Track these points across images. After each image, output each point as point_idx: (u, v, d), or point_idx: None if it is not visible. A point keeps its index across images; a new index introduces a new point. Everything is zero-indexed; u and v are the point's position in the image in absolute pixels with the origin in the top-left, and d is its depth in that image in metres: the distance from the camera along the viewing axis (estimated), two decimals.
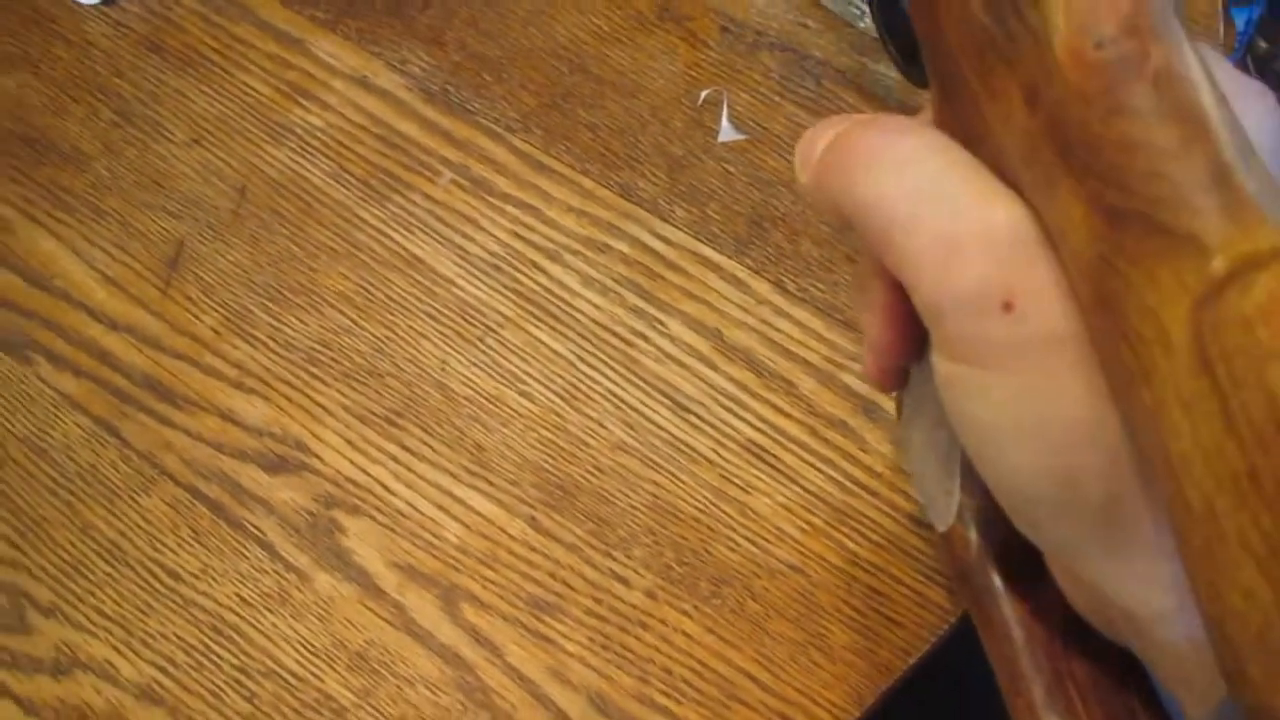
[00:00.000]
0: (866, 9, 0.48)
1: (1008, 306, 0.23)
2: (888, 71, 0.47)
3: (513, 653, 0.36)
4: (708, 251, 0.43)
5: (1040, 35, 0.24)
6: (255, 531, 0.38)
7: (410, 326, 0.42)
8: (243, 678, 0.36)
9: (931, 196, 0.24)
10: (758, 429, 0.39)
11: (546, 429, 0.40)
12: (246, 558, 0.38)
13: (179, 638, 0.37)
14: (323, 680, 0.36)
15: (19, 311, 0.43)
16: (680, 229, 0.43)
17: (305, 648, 0.37)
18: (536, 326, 0.42)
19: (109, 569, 0.38)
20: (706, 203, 0.44)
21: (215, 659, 0.37)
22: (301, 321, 0.42)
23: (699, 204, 0.44)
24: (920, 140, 0.25)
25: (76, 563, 0.38)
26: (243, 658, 0.37)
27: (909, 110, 0.45)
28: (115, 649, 0.37)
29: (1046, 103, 0.23)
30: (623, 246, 0.43)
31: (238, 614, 0.37)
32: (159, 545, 0.38)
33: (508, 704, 0.36)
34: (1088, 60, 0.23)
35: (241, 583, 0.38)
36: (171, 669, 0.37)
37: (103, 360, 0.42)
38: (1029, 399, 0.23)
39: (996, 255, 0.23)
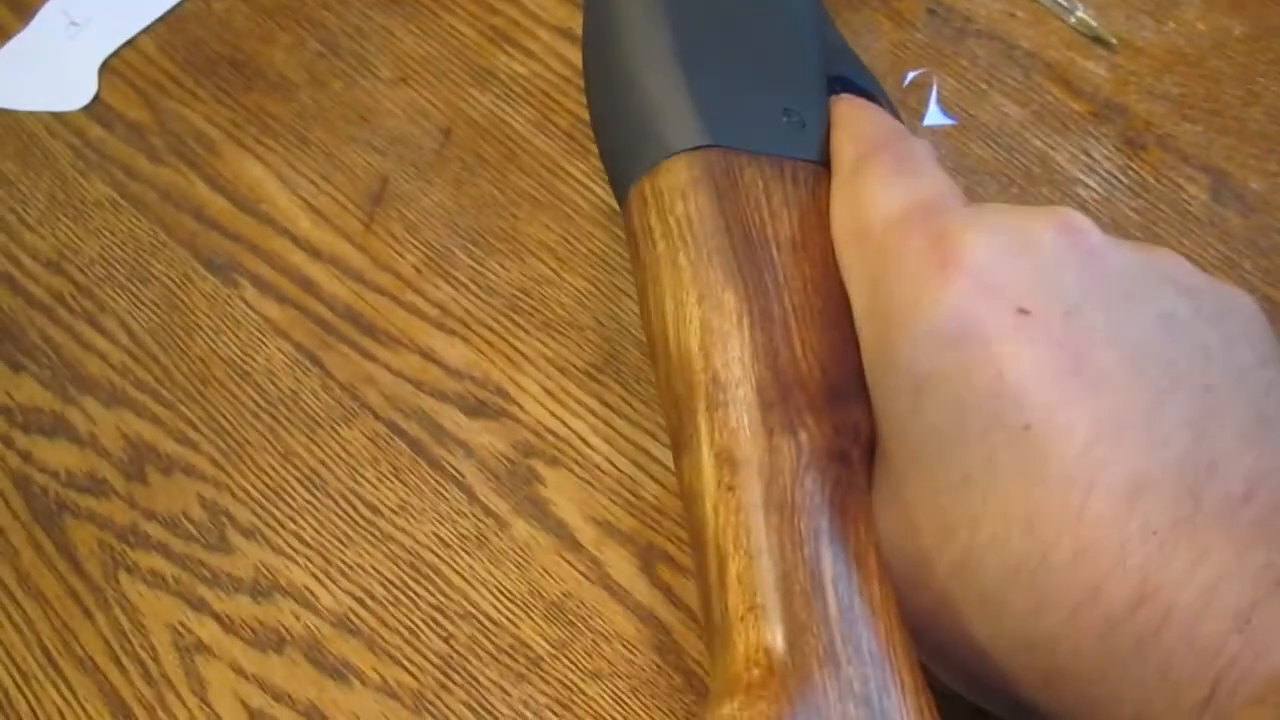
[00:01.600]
0: (1077, 4, 0.47)
1: None
2: (1096, 69, 0.46)
3: None
4: None
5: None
6: (454, 473, 0.39)
7: (611, 282, 0.42)
8: (439, 617, 0.36)
9: None
10: None
11: None
12: (445, 498, 0.38)
13: (377, 571, 0.37)
14: (518, 627, 0.36)
15: (226, 234, 0.43)
16: None
17: (502, 593, 0.37)
18: None
19: (309, 497, 0.38)
20: None
21: (413, 596, 0.37)
22: (503, 268, 0.42)
23: None
24: None
25: (278, 488, 0.39)
26: (440, 597, 0.37)
27: (1119, 108, 0.45)
28: (314, 576, 0.37)
29: None
30: None
31: (436, 554, 0.37)
32: (359, 478, 0.39)
33: (702, 669, 0.36)
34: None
35: (440, 523, 0.38)
36: (369, 601, 0.37)
37: (306, 289, 0.42)
38: None
39: None
